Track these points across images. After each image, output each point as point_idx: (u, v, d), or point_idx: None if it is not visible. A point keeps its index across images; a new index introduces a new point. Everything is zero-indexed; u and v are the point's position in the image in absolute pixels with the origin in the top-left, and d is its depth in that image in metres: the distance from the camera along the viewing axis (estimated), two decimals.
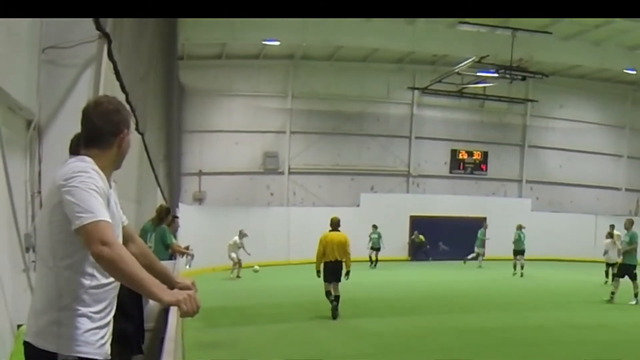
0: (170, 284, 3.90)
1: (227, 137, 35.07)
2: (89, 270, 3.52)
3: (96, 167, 3.59)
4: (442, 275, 28.89)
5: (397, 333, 13.89)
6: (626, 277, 18.51)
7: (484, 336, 13.56)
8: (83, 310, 3.51)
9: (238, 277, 26.53)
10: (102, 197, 3.49)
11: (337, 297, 15.77)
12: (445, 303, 18.69)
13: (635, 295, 18.46)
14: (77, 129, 5.93)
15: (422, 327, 14.58)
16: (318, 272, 16.02)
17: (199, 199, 34.69)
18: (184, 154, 33.24)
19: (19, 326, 5.56)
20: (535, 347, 12.56)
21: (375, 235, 32.68)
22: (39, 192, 6.21)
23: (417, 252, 36.92)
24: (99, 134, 3.71)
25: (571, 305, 18.19)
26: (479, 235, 33.16)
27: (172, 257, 12.57)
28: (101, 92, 6.57)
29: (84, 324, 3.52)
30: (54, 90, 6.37)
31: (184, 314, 3.56)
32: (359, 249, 30.24)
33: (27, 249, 5.99)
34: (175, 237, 14.58)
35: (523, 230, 29.83)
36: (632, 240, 18.74)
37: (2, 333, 5.62)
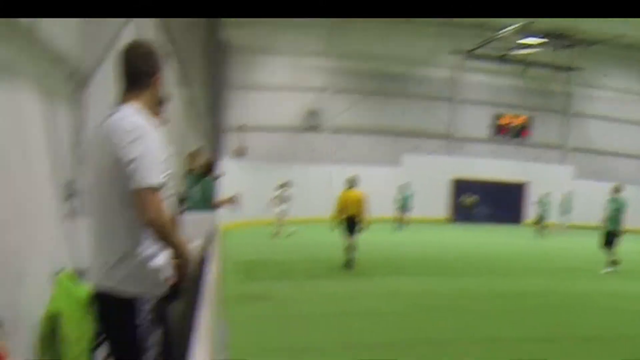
0: None
1: (270, 94, 35.16)
2: None
3: (145, 118, 3.77)
4: (481, 237, 28.85)
5: (431, 293, 13.93)
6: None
7: (519, 300, 13.52)
8: (154, 252, 3.81)
9: (278, 234, 26.48)
10: (158, 154, 3.69)
11: (353, 251, 16.98)
12: (483, 266, 18.66)
13: None
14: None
15: (457, 288, 14.58)
16: (336, 227, 17.22)
17: (241, 154, 34.87)
18: (227, 110, 33.40)
19: (58, 272, 5.72)
20: (571, 313, 12.53)
21: (407, 194, 32.08)
22: (82, 141, 6.34)
23: (465, 214, 36.76)
24: (137, 74, 3.90)
25: (610, 274, 18.03)
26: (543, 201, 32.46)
27: (214, 209, 12.67)
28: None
29: (156, 265, 3.82)
30: (97, 41, 6.45)
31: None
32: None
33: (69, 197, 6.13)
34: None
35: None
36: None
37: (43, 278, 5.78)
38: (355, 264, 16.77)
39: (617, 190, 18.70)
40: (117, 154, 3.60)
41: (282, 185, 26.87)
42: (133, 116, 3.75)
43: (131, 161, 3.56)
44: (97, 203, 3.84)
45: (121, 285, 3.71)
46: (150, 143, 3.65)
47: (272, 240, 24.90)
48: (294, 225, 26.49)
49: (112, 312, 3.78)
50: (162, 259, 3.91)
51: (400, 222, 31.49)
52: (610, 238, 18.32)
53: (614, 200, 18.48)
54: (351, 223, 16.92)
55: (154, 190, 3.58)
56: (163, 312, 3.94)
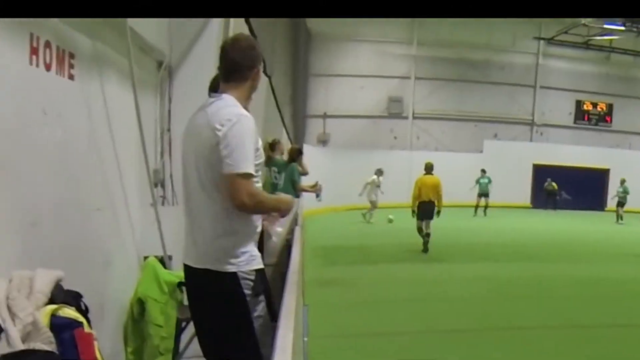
0: None
1: (352, 81, 35.23)
2: None
3: (241, 107, 3.92)
4: (563, 223, 28.37)
5: (513, 278, 13.78)
6: None
7: (601, 287, 13.28)
8: (248, 231, 3.98)
9: (370, 222, 26.02)
10: (254, 136, 3.85)
11: (428, 234, 17.18)
12: (565, 252, 18.36)
13: None
14: (207, 70, 6.16)
15: (538, 274, 14.37)
16: (413, 211, 17.40)
17: (323, 141, 35.06)
18: (309, 97, 33.61)
19: (145, 258, 5.87)
20: None
21: (485, 180, 31.39)
22: (169, 130, 6.49)
23: (548, 200, 36.25)
24: (237, 67, 4.01)
25: None
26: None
27: (297, 195, 12.77)
28: (230, 35, 6.75)
29: (251, 242, 3.99)
30: (184, 32, 6.58)
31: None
32: None
33: (156, 184, 6.28)
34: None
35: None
36: None
37: (130, 263, 5.95)
38: (430, 248, 16.76)
39: None
40: (216, 140, 3.73)
41: (377, 172, 26.75)
42: (233, 106, 3.88)
43: (227, 147, 3.70)
44: (194, 187, 3.97)
45: (222, 262, 3.87)
46: (247, 132, 3.79)
47: (364, 226, 24.87)
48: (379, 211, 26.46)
49: (217, 288, 3.92)
50: (257, 235, 4.10)
51: (477, 208, 31.06)
52: None
53: None
54: (428, 207, 17.11)
55: (246, 177, 3.73)
56: (263, 283, 4.09)
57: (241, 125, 3.76)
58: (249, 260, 3.93)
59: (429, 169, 17.61)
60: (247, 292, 3.91)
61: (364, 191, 26.43)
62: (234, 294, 3.87)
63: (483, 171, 31.27)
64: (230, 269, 3.86)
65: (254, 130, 3.84)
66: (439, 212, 17.17)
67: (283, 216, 4.45)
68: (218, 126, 3.72)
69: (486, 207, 30.99)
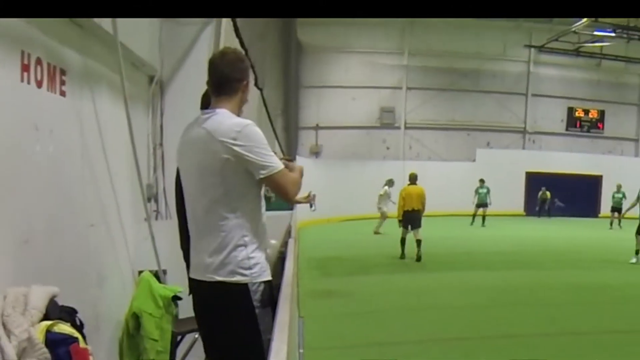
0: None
1: (344, 92, 35.32)
2: (259, 209, 4.06)
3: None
4: (557, 231, 28.39)
5: (509, 286, 13.78)
6: None
7: (598, 293, 13.29)
8: (260, 241, 4.01)
9: (377, 232, 25.63)
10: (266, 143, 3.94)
11: (418, 242, 17.39)
12: (560, 259, 18.37)
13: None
14: (198, 84, 6.17)
15: (534, 281, 14.38)
16: (399, 221, 17.83)
17: (315, 152, 35.10)
18: (301, 109, 33.64)
19: (140, 272, 5.87)
20: None
21: (484, 190, 31.30)
22: (161, 144, 6.50)
23: (541, 207, 36.33)
24: (226, 80, 4.04)
25: None
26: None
27: (291, 207, 12.78)
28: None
29: (262, 253, 4.03)
30: (175, 46, 6.61)
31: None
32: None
33: (149, 199, 6.29)
34: None
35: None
36: None
37: (125, 278, 5.95)
38: (425, 257, 16.81)
39: None
40: (231, 152, 3.77)
41: (388, 183, 26.63)
42: (233, 117, 3.93)
43: (251, 155, 3.78)
44: (200, 201, 3.99)
45: (235, 273, 3.89)
46: (259, 135, 3.87)
47: (358, 236, 24.79)
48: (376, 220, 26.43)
49: (227, 300, 3.93)
50: (265, 247, 4.12)
51: (474, 217, 30.95)
52: None
53: None
54: (413, 216, 17.56)
55: (282, 172, 3.88)
56: (272, 295, 4.10)
57: (251, 130, 3.83)
58: (260, 272, 3.97)
59: (413, 179, 18.19)
60: (257, 304, 3.93)
61: (380, 202, 26.35)
62: (245, 306, 3.90)
63: (482, 181, 31.09)
64: (243, 280, 3.90)
65: (261, 132, 3.90)
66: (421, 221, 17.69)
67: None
68: (229, 140, 3.76)
69: (484, 216, 30.81)
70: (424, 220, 17.62)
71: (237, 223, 3.88)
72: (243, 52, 4.27)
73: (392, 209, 24.92)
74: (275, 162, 3.85)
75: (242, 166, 3.81)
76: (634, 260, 17.31)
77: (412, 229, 17.61)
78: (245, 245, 3.90)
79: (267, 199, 11.76)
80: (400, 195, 18.07)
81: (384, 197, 26.19)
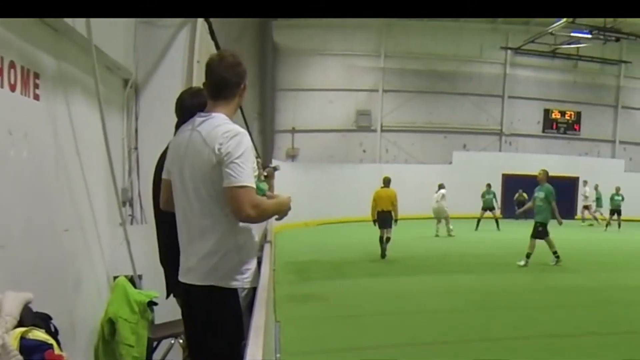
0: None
1: (320, 95, 35.27)
2: None
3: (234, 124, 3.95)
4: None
5: (489, 289, 13.78)
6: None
7: (577, 295, 13.33)
8: (252, 245, 4.03)
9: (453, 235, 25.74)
10: (251, 152, 3.90)
11: (387, 239, 18.28)
12: (539, 261, 18.45)
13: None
14: (173, 87, 6.14)
15: (514, 284, 14.40)
16: (374, 221, 18.68)
17: (292, 156, 35.03)
18: (277, 112, 33.61)
19: (115, 277, 5.84)
20: (631, 307, 12.33)
21: (490, 196, 31.24)
22: (136, 148, 6.46)
23: (514, 209, 36.39)
24: (225, 85, 4.01)
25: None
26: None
27: None
28: (196, 52, 6.75)
29: (254, 258, 4.06)
30: (150, 50, 6.57)
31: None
32: (450, 205, 30.00)
33: (124, 203, 6.25)
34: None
35: (620, 191, 30.23)
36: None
37: (100, 284, 5.91)
38: (405, 261, 16.85)
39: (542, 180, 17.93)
40: (217, 158, 3.75)
41: (441, 186, 26.65)
42: (227, 123, 3.90)
43: (228, 162, 3.72)
44: (191, 204, 3.96)
45: (229, 278, 3.89)
46: (245, 147, 3.82)
47: (336, 240, 24.75)
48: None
49: (218, 304, 3.91)
50: (254, 254, 4.12)
51: (479, 222, 30.85)
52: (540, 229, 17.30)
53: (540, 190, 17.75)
54: (385, 217, 18.34)
55: (246, 189, 3.76)
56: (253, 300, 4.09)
57: (239, 140, 3.79)
58: (251, 278, 3.99)
59: (386, 182, 19.13)
60: (244, 309, 3.93)
61: (439, 211, 26.28)
62: (234, 311, 3.91)
63: (488, 186, 31.05)
64: (234, 285, 3.90)
65: (250, 144, 3.87)
66: (396, 221, 18.47)
67: (281, 218, 4.60)
68: (217, 145, 3.74)
69: (496, 219, 30.59)
70: (401, 223, 17.75)
71: (230, 228, 3.86)
72: (239, 55, 4.21)
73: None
74: (243, 177, 3.75)
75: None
76: (522, 262, 17.06)
77: (382, 228, 18.41)
78: (237, 250, 3.90)
79: None
80: (373, 197, 18.89)
81: (443, 201, 26.29)
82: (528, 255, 17.02)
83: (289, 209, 4.36)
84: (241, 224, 3.88)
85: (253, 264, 4.00)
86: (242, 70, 4.09)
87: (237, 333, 3.92)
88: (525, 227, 29.79)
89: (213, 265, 3.87)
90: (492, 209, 30.53)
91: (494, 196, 30.64)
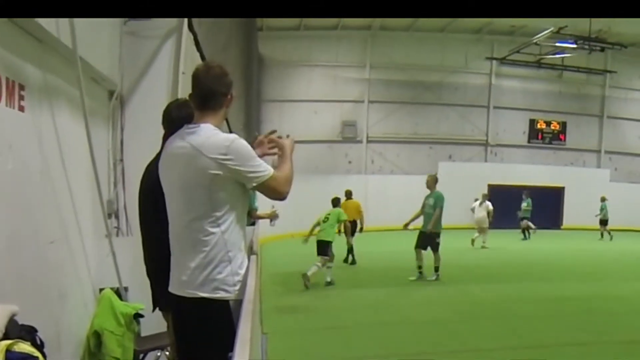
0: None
1: (306, 106, 35.26)
2: (244, 225, 4.05)
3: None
4: (521, 243, 28.60)
5: (474, 300, 13.78)
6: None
7: (563, 305, 13.34)
8: (242, 256, 4.01)
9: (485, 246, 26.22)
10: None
11: (351, 247, 19.58)
12: (524, 271, 18.45)
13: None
14: (159, 98, 6.13)
15: (499, 294, 14.41)
16: (339, 230, 18.82)
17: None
18: (263, 123, 33.57)
19: (101, 290, 5.81)
20: (615, 316, 12.37)
21: (525, 204, 31.46)
22: (121, 160, 6.44)
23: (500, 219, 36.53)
24: (212, 95, 4.01)
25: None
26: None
27: (253, 222, 12.69)
28: (182, 63, 6.75)
29: (244, 269, 4.02)
30: (135, 61, 6.56)
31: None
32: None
33: (110, 215, 6.22)
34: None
35: (606, 202, 30.32)
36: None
37: (86, 296, 5.88)
38: (388, 272, 16.81)
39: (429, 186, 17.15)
40: (221, 168, 3.75)
41: (484, 196, 27.61)
42: (218, 133, 3.90)
43: (242, 166, 3.78)
44: (183, 216, 3.94)
45: (219, 289, 3.87)
46: (247, 147, 3.86)
47: (310, 249, 24.66)
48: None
49: (208, 316, 3.89)
50: (245, 265, 4.08)
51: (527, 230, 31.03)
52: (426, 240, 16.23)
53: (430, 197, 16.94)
54: (352, 226, 19.55)
55: (273, 176, 3.90)
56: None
57: (239, 144, 3.81)
58: (241, 288, 3.95)
59: (348, 194, 21.09)
60: (235, 321, 3.91)
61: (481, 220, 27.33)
62: (226, 323, 3.89)
63: (527, 194, 31.35)
64: (226, 297, 3.89)
65: (247, 144, 3.91)
66: (361, 229, 20.31)
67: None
68: (219, 156, 3.75)
69: (527, 230, 30.89)
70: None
71: (222, 239, 3.86)
72: (225, 66, 4.21)
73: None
74: (265, 169, 3.88)
75: (232, 179, 3.82)
76: (414, 277, 16.06)
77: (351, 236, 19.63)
78: (229, 262, 3.89)
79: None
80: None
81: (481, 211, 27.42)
82: (419, 267, 16.21)
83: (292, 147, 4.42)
84: (233, 235, 3.89)
85: (243, 275, 3.99)
86: (229, 80, 4.09)
87: (229, 346, 3.92)
88: (511, 237, 29.94)
89: (205, 277, 3.85)
90: (528, 218, 31.00)
91: (529, 205, 31.09)
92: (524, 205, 31.29)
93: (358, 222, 20.36)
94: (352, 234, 19.76)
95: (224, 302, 3.88)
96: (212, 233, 3.84)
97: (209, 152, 3.76)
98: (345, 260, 19.52)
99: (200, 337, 4.01)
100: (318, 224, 17.11)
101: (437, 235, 15.97)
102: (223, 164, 3.73)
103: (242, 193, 3.96)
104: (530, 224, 30.93)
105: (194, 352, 4.12)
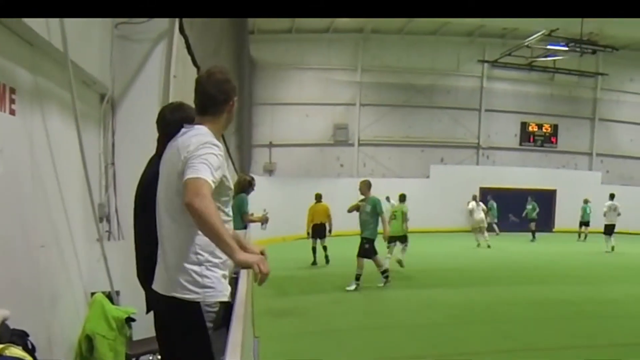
0: (243, 249, 3.97)
1: (297, 109, 35.24)
2: None
3: (213, 137, 3.89)
4: (513, 246, 28.61)
5: (468, 303, 13.78)
6: None
7: (556, 308, 13.36)
8: (215, 261, 3.90)
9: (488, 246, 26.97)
10: (220, 162, 3.78)
11: (325, 247, 20.80)
12: (517, 274, 18.47)
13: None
14: (150, 102, 6.12)
15: (493, 297, 14.42)
16: (308, 233, 21.38)
17: (269, 170, 34.97)
18: (254, 126, 33.55)
19: (92, 294, 5.79)
20: (607, 320, 12.38)
21: (530, 206, 31.61)
22: (113, 164, 6.42)
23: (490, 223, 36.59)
24: (213, 101, 3.99)
25: None
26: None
27: (245, 226, 12.67)
28: (173, 67, 6.74)
29: (219, 273, 3.93)
30: (126, 64, 6.55)
31: (256, 277, 3.74)
32: (428, 219, 30.03)
33: (101, 219, 6.20)
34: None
35: (589, 204, 30.87)
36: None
37: (77, 300, 5.86)
38: (380, 276, 16.78)
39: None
40: (184, 163, 3.70)
41: (474, 198, 28.53)
42: (204, 134, 3.85)
43: (190, 162, 3.64)
44: (164, 214, 3.95)
45: (188, 290, 3.83)
46: (212, 154, 3.74)
47: (301, 252, 24.73)
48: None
49: (179, 317, 3.88)
50: (228, 266, 4.05)
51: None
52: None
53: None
54: (320, 228, 20.95)
55: (200, 180, 3.57)
56: (226, 317, 4.03)
57: (207, 148, 3.73)
58: (216, 292, 3.90)
59: (318, 198, 21.68)
60: (209, 324, 3.87)
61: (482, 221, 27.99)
62: (196, 325, 3.85)
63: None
64: (196, 298, 3.84)
65: (221, 157, 3.81)
66: (330, 231, 21.08)
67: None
68: (186, 152, 3.71)
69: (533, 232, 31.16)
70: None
71: (193, 239, 3.82)
72: (229, 72, 4.18)
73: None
74: (201, 171, 3.59)
75: None
76: (352, 287, 15.15)
77: (319, 239, 20.90)
78: (199, 263, 3.84)
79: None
80: (308, 212, 21.61)
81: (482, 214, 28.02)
82: (357, 277, 15.23)
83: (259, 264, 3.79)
84: (201, 240, 3.79)
85: (218, 279, 3.92)
86: (230, 87, 4.07)
87: (202, 349, 3.90)
88: (503, 240, 29.97)
89: (176, 276, 3.84)
90: (535, 220, 31.34)
91: (534, 208, 31.57)
92: (529, 207, 31.41)
93: (327, 224, 21.12)
94: (322, 236, 20.88)
95: (194, 304, 3.83)
96: (186, 233, 3.82)
97: (184, 148, 3.75)
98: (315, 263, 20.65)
99: (173, 338, 4.02)
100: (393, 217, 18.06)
101: (370, 241, 15.20)
102: (186, 158, 3.69)
103: (218, 195, 3.84)
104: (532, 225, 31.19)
105: (169, 352, 4.13)
